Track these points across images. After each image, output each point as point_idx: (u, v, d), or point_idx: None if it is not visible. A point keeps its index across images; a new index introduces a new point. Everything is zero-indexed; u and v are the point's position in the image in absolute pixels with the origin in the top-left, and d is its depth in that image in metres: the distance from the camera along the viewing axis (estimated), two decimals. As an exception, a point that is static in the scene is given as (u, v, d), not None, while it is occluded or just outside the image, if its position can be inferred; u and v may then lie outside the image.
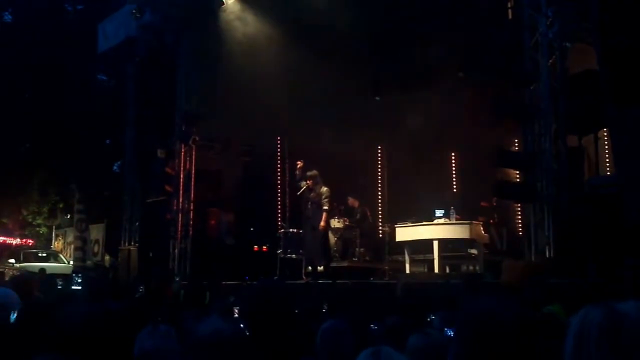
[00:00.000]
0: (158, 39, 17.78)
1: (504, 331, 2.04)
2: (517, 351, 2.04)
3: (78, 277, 14.54)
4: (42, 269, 17.91)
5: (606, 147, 12.01)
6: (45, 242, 29.24)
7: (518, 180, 13.16)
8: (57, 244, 28.41)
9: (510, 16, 11.44)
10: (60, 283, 13.63)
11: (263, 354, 2.91)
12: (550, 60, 10.67)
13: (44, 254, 24.11)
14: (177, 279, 15.23)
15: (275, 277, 13.54)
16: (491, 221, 14.17)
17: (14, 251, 24.20)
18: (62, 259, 23.80)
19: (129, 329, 4.24)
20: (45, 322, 3.66)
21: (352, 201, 15.50)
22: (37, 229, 30.39)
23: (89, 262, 19.97)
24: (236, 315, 7.66)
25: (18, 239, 27.90)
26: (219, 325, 2.63)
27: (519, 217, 14.59)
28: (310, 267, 13.77)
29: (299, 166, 13.62)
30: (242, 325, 3.24)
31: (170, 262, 16.01)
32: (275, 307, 3.02)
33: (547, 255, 9.65)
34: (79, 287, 13.05)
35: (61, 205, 29.47)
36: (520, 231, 14.08)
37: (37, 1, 28.67)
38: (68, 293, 11.45)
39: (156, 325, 4.44)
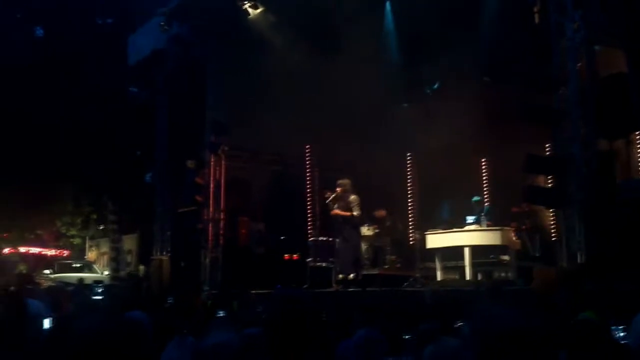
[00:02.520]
0: (186, 51, 17.95)
1: (512, 342, 2.03)
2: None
3: (98, 287, 14.62)
4: (81, 279, 18.13)
5: (638, 150, 11.86)
6: (79, 252, 29.58)
7: (550, 185, 13.03)
8: (90, 255, 28.72)
9: (537, 20, 11.32)
10: (87, 293, 13.76)
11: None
12: (579, 64, 10.53)
13: (79, 265, 24.39)
14: (206, 289, 15.32)
15: (305, 286, 13.56)
16: (523, 227, 14.05)
17: (49, 262, 24.52)
18: (95, 270, 24.05)
19: (148, 340, 4.27)
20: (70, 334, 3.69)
21: (379, 213, 15.45)
22: (71, 240, 30.75)
23: (122, 272, 20.14)
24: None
25: (53, 250, 28.28)
26: (224, 337, 2.65)
27: (552, 222, 14.44)
28: (340, 275, 13.74)
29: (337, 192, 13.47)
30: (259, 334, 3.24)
31: (201, 272, 16.09)
32: (293, 316, 3.01)
33: (579, 261, 9.53)
34: (101, 297, 13.12)
35: (94, 216, 29.80)
36: (554, 237, 13.92)
37: (68, 15, 29.06)
38: (90, 303, 11.54)
39: (183, 337, 4.48)
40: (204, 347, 2.72)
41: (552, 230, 14.23)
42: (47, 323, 6.14)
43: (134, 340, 2.70)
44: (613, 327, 4.68)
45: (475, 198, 14.66)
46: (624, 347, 3.71)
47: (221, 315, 9.18)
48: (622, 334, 4.58)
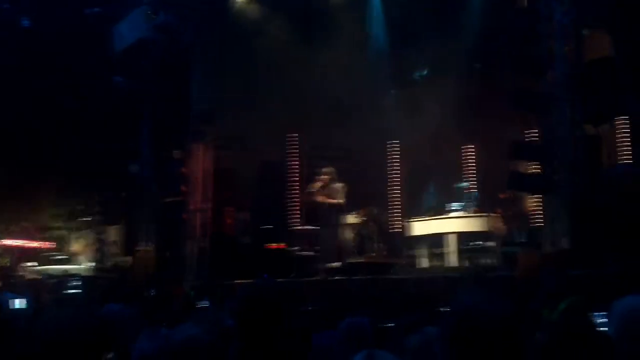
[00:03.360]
0: (173, 39, 17.74)
1: (485, 328, 1.92)
2: (499, 349, 1.92)
3: (74, 280, 14.46)
4: (65, 271, 17.96)
5: (622, 135, 11.80)
6: (64, 244, 29.27)
7: (537, 170, 12.95)
8: (76, 246, 28.44)
9: (525, 3, 11.20)
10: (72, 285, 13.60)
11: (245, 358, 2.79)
12: (567, 48, 10.43)
13: (64, 257, 24.15)
14: (190, 279, 15.17)
15: (265, 276, 13.43)
16: (510, 213, 13.98)
17: (34, 254, 24.28)
18: (80, 261, 23.81)
19: (125, 333, 4.13)
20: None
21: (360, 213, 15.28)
22: (56, 231, 30.42)
23: (107, 264, 19.94)
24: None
25: (38, 242, 28.00)
26: (193, 332, 2.51)
27: (539, 208, 14.38)
28: (326, 264, 13.64)
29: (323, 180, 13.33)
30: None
31: (187, 262, 15.95)
32: (263, 308, 2.88)
33: (564, 246, 9.44)
34: (79, 291, 12.95)
35: (79, 208, 29.50)
36: (539, 223, 13.86)
37: (55, 5, 28.79)
38: (66, 296, 11.39)
39: (155, 329, 4.33)
40: (172, 341, 2.58)
41: (538, 216, 14.17)
42: (17, 303, 6.04)
43: (103, 334, 2.57)
44: (595, 313, 4.56)
45: (462, 184, 14.57)
46: (603, 337, 3.60)
47: (205, 305, 9.04)
48: (603, 320, 4.45)
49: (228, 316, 6.90)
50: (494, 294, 2.09)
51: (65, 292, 12.17)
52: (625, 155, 11.56)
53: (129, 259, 20.92)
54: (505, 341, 1.94)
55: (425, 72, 17.63)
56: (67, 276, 16.08)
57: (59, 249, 26.73)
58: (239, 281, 12.47)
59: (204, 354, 2.51)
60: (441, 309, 7.58)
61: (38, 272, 19.79)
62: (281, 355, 2.95)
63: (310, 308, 8.89)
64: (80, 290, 12.52)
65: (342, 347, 4.61)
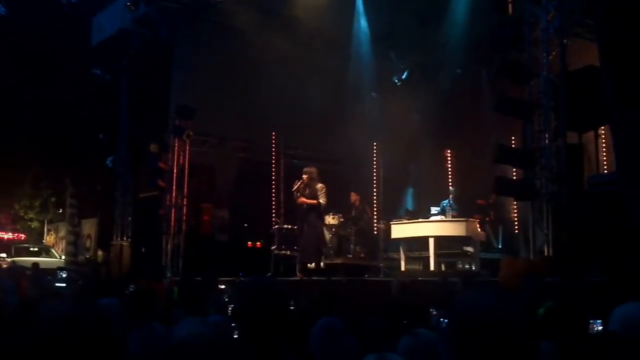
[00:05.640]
0: (153, 32, 17.55)
1: (500, 328, 1.91)
2: (511, 349, 1.91)
3: (63, 272, 14.26)
4: (36, 264, 17.65)
5: (603, 144, 11.91)
6: (37, 236, 29.00)
7: (514, 177, 13.06)
8: (49, 239, 28.18)
9: (510, 11, 11.23)
10: (49, 279, 13.39)
11: (250, 356, 2.73)
12: (550, 56, 10.49)
13: (36, 249, 23.92)
14: (169, 275, 15.05)
15: (269, 274, 13.39)
16: (487, 219, 14.05)
17: (5, 245, 24.01)
18: (54, 254, 23.58)
19: (116, 328, 4.06)
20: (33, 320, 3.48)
21: (354, 197, 15.28)
22: (29, 223, 30.13)
23: (81, 258, 19.73)
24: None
25: (10, 233, 27.73)
26: (195, 328, 2.45)
27: (515, 214, 14.48)
28: (304, 264, 13.58)
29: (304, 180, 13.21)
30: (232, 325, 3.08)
31: (162, 258, 15.81)
32: (266, 306, 2.84)
33: (546, 254, 9.48)
34: (64, 284, 12.75)
35: (53, 200, 29.21)
36: (516, 229, 13.95)
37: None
38: (54, 289, 11.18)
39: (147, 325, 4.26)
40: (179, 338, 2.51)
41: (515, 223, 14.27)
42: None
43: (104, 327, 2.53)
44: (591, 320, 4.57)
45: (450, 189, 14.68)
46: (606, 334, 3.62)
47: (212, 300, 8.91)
48: (599, 328, 4.46)
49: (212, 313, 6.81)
50: (501, 293, 2.09)
51: (48, 285, 11.97)
52: (606, 164, 11.69)
53: (101, 253, 20.73)
54: (516, 338, 1.93)
55: (405, 76, 17.69)
56: (48, 269, 15.86)
57: (31, 241, 26.47)
58: (222, 279, 12.36)
59: (210, 352, 2.45)
60: (430, 312, 7.57)
61: (9, 263, 19.54)
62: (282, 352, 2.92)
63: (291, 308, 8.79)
64: (65, 284, 12.33)
65: (316, 345, 4.60)
